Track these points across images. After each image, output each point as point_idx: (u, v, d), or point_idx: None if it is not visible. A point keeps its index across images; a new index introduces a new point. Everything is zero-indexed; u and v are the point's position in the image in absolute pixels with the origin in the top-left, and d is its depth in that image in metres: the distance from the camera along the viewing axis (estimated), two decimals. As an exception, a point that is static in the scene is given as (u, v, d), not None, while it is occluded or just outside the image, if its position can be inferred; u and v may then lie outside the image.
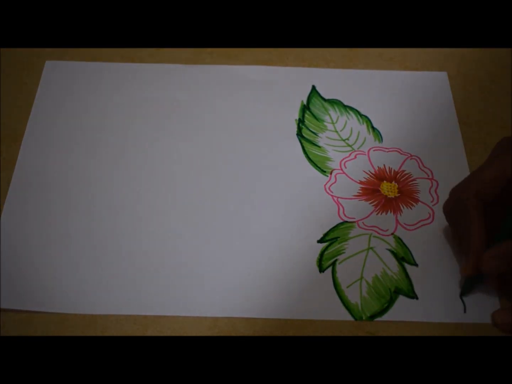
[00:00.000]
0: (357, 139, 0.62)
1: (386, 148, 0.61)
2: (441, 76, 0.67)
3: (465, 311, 0.50)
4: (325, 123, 0.63)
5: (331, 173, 0.59)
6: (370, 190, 0.58)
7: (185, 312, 0.50)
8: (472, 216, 0.50)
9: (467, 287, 0.52)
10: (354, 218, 0.56)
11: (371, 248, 0.54)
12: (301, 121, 0.63)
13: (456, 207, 0.52)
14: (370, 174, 0.59)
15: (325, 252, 0.53)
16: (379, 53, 0.69)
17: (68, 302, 0.50)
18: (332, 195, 0.57)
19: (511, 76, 0.66)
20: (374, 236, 0.54)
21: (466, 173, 0.57)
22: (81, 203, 0.56)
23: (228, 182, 0.58)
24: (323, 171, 0.59)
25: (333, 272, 0.52)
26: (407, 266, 0.53)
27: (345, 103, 0.64)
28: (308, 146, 0.61)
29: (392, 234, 0.55)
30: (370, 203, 0.57)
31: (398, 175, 0.59)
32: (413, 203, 0.57)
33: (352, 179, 0.58)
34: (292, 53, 0.68)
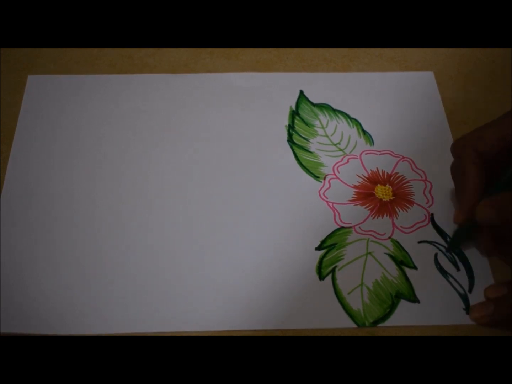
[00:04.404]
0: (348, 143, 0.61)
1: (378, 151, 0.61)
2: (427, 76, 0.67)
3: (467, 313, 0.50)
4: (316, 128, 0.62)
5: (324, 179, 0.58)
6: (365, 194, 0.58)
7: (183, 327, 0.49)
8: (468, 167, 0.51)
9: (456, 239, 0.53)
10: (350, 224, 0.55)
11: (370, 253, 0.54)
12: (291, 127, 0.62)
13: (456, 162, 0.53)
14: (364, 178, 0.59)
15: (324, 259, 0.53)
16: (379, 53, 0.69)
17: (64, 322, 0.49)
18: (327, 201, 0.57)
19: (510, 75, 0.66)
20: (372, 241, 0.54)
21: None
22: (69, 218, 0.55)
23: (221, 193, 0.57)
24: (316, 177, 0.59)
25: (333, 279, 0.52)
26: (406, 269, 0.53)
27: (334, 107, 0.64)
28: (300, 152, 0.60)
29: (390, 238, 0.55)
30: (366, 208, 0.57)
31: (391, 178, 0.59)
32: (408, 205, 0.57)
33: (346, 184, 0.58)
34: (292, 53, 0.68)
